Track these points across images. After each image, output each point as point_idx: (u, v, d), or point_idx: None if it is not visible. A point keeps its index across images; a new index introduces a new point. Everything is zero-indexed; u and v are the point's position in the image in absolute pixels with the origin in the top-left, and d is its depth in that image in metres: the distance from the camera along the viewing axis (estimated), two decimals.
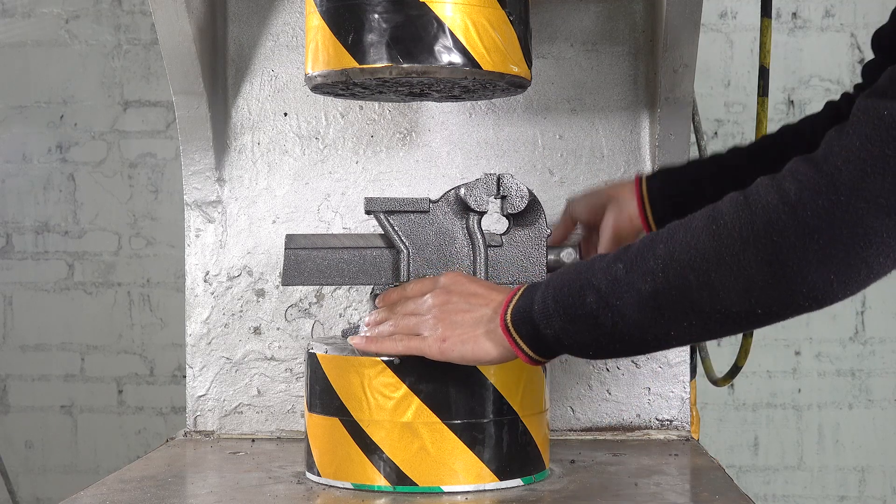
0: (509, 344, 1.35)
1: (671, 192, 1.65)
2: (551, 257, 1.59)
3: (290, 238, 1.59)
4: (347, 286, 1.88)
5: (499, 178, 1.57)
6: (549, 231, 1.60)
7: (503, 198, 1.57)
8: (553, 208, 1.80)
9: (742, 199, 1.18)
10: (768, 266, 1.15)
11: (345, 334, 1.60)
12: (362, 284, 1.60)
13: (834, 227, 1.12)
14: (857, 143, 1.12)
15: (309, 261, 1.58)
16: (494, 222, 1.78)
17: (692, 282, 1.19)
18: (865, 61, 1.61)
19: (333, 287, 1.88)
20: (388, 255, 1.58)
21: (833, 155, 1.13)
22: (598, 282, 1.26)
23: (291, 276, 1.58)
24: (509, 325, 1.34)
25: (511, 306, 1.35)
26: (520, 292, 1.35)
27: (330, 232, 1.88)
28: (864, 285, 1.16)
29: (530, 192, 1.58)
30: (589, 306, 1.26)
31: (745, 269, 1.16)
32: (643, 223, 1.64)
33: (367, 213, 1.57)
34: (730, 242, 1.17)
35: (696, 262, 1.19)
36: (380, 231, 1.59)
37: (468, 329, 1.38)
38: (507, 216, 1.60)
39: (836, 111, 1.64)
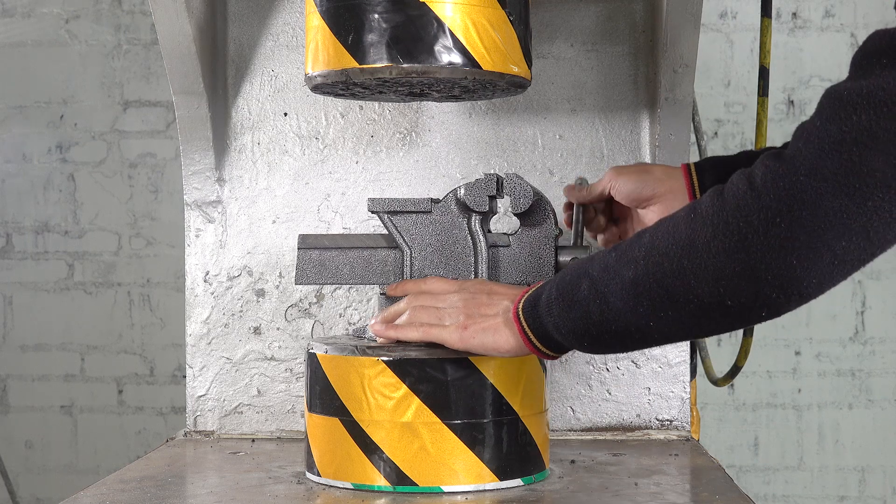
0: (518, 333, 1.36)
1: None
2: (562, 258, 1.59)
3: (302, 238, 1.60)
4: (348, 286, 1.88)
5: (499, 179, 1.57)
6: (558, 231, 1.60)
7: (510, 198, 1.57)
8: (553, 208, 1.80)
9: (719, 189, 1.20)
10: (735, 253, 1.15)
11: (353, 335, 1.60)
12: (374, 284, 1.61)
13: (794, 209, 1.12)
14: (818, 123, 1.12)
15: (321, 260, 1.59)
16: (497, 220, 1.78)
17: (666, 268, 1.20)
18: None
19: (333, 287, 1.88)
20: (398, 255, 1.59)
21: (795, 139, 1.15)
22: (592, 269, 1.28)
23: (304, 275, 1.59)
24: (520, 313, 1.36)
25: (525, 296, 1.37)
26: (537, 285, 1.38)
27: (330, 232, 1.88)
28: (832, 275, 1.14)
29: (536, 192, 1.58)
30: (582, 293, 1.28)
31: (715, 257, 1.17)
32: None
33: (371, 213, 1.58)
34: (702, 230, 1.18)
35: (671, 250, 1.20)
36: (383, 231, 1.60)
37: (489, 318, 1.40)
38: (516, 216, 1.60)
39: None
